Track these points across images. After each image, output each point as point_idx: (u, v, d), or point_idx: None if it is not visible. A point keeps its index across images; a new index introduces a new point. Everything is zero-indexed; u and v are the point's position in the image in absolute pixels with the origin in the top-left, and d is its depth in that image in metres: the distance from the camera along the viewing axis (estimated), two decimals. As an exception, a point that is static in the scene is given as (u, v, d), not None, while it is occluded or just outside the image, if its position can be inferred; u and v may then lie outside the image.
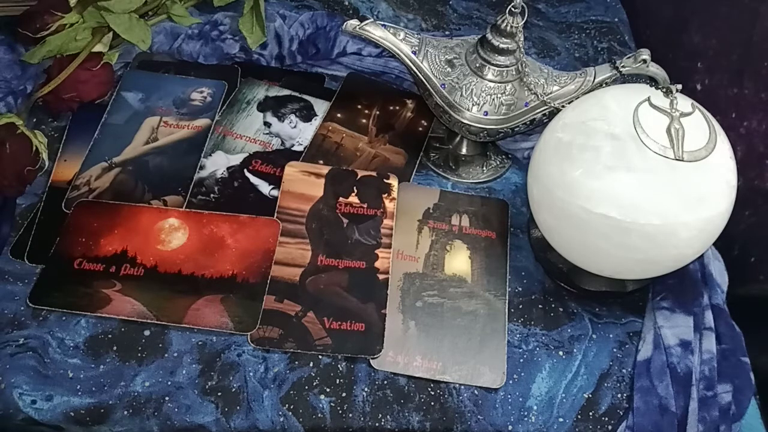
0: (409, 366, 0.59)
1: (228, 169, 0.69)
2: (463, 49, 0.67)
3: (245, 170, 0.69)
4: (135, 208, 0.65)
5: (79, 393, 0.55)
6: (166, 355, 0.58)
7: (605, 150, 0.54)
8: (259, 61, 0.77)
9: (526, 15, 0.62)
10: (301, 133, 0.73)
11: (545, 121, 0.67)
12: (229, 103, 0.74)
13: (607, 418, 0.58)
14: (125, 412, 0.55)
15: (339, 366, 0.58)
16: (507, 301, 0.63)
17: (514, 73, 0.65)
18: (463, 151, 0.73)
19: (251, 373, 0.57)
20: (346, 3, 0.86)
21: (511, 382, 0.59)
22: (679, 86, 0.55)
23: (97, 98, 0.72)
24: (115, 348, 0.58)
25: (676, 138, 0.53)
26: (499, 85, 0.65)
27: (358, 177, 0.69)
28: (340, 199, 0.68)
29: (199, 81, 0.75)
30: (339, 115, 0.74)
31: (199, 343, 0.59)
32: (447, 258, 0.65)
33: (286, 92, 0.76)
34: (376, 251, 0.64)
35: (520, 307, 0.63)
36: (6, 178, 0.64)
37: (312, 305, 0.61)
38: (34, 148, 0.66)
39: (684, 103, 0.55)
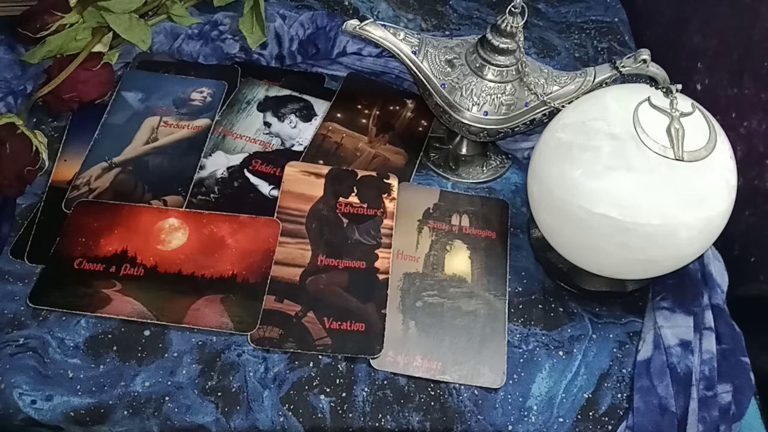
0: (409, 366, 0.59)
1: (228, 169, 0.69)
2: (463, 49, 0.67)
3: (245, 170, 0.69)
4: (135, 208, 0.65)
5: (79, 393, 0.55)
6: (166, 355, 0.58)
7: (605, 150, 0.54)
8: (259, 61, 0.77)
9: (526, 15, 0.62)
10: (301, 133, 0.73)
11: (545, 121, 0.67)
12: (229, 103, 0.74)
13: (607, 418, 0.58)
14: (125, 412, 0.55)
15: (339, 366, 0.58)
16: (507, 301, 0.63)
17: (514, 73, 0.65)
18: (463, 151, 0.73)
19: (251, 373, 0.57)
20: (346, 3, 0.86)
21: (511, 382, 0.59)
22: (679, 86, 0.55)
23: (97, 98, 0.72)
24: (115, 348, 0.58)
25: (676, 138, 0.53)
26: (499, 85, 0.65)
27: (358, 177, 0.69)
28: (340, 199, 0.68)
29: (199, 81, 0.75)
30: (339, 115, 0.74)
31: (199, 343, 0.59)
32: (447, 258, 0.65)
33: (286, 92, 0.76)
34: (376, 251, 0.64)
35: (520, 307, 0.63)
36: (6, 178, 0.64)
37: (312, 305, 0.61)
38: (34, 148, 0.66)
39: (684, 103, 0.55)
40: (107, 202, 0.65)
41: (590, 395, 0.59)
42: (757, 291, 0.70)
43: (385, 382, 0.58)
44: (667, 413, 0.57)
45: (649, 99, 0.55)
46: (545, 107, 0.66)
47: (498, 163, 0.73)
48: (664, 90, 0.55)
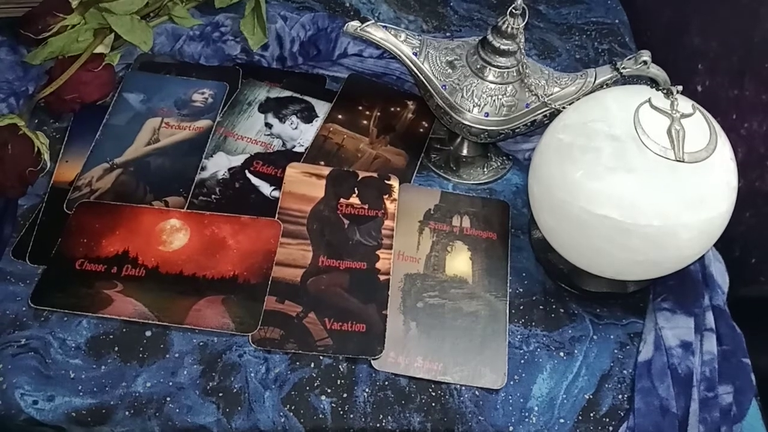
0: (410, 367, 0.59)
1: (229, 170, 0.69)
2: (464, 50, 0.67)
3: (246, 171, 0.69)
4: (136, 208, 0.65)
5: (81, 393, 0.56)
6: (167, 355, 0.58)
7: (606, 151, 0.54)
8: (260, 63, 0.77)
9: (527, 16, 0.62)
10: (302, 134, 0.73)
11: (546, 122, 0.67)
12: (231, 105, 0.74)
13: (607, 419, 0.58)
14: (126, 413, 0.55)
15: (340, 367, 0.59)
16: (508, 302, 0.63)
17: (514, 74, 0.65)
18: (464, 152, 0.73)
19: (252, 374, 0.57)
20: (348, 4, 0.86)
21: (512, 382, 0.59)
22: (680, 88, 0.55)
23: (99, 99, 0.72)
24: (116, 348, 0.58)
25: (676, 139, 0.53)
26: (500, 86, 0.65)
27: (359, 178, 0.69)
28: (341, 200, 0.68)
29: (200, 82, 0.75)
30: (340, 116, 0.75)
31: (201, 343, 0.59)
32: (448, 259, 0.65)
33: (287, 93, 0.76)
34: (377, 252, 0.64)
35: (521, 308, 0.63)
36: (8, 179, 0.64)
37: (313, 306, 0.61)
38: (35, 149, 0.66)
39: (684, 104, 0.55)
40: (109, 203, 0.65)
41: (591, 396, 0.59)
42: (758, 292, 0.70)
43: (386, 382, 0.58)
44: (668, 414, 0.57)
45: (649, 100, 0.55)
46: (546, 108, 0.66)
47: (499, 164, 0.73)
48: (665, 91, 0.55)
